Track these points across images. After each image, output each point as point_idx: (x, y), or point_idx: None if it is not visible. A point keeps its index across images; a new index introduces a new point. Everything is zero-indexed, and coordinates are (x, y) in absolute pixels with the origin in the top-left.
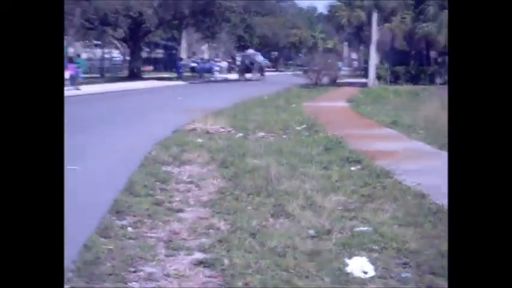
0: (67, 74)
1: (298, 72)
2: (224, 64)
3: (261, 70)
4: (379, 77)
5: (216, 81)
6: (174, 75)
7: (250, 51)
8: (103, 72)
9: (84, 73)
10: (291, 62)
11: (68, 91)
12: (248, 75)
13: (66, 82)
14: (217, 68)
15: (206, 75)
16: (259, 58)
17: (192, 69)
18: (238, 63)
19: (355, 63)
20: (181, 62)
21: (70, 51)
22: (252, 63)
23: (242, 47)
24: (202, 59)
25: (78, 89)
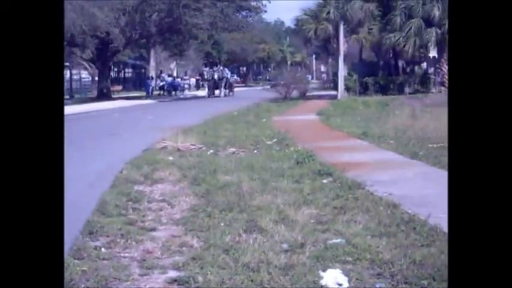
0: None
1: (268, 87)
2: (192, 81)
3: (230, 86)
4: (348, 89)
5: (185, 98)
6: (144, 94)
7: (218, 67)
8: (72, 94)
9: None
10: (260, 77)
11: None
12: (217, 92)
13: None
14: (186, 86)
15: (176, 93)
16: (227, 74)
17: (161, 88)
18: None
19: (324, 76)
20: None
21: None
22: (220, 79)
23: (210, 64)
24: (170, 76)
25: None
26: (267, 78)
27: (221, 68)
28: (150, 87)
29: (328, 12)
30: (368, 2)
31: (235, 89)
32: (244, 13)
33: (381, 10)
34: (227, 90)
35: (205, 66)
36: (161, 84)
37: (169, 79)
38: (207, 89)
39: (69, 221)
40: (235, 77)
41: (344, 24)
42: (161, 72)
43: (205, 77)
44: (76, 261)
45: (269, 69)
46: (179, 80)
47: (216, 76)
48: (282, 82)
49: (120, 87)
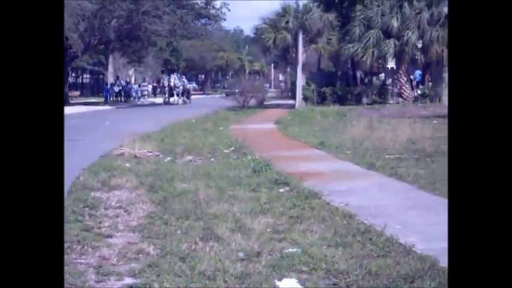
0: None
1: (223, 94)
2: (150, 88)
3: (187, 93)
4: (306, 98)
5: (143, 105)
6: (101, 100)
7: (174, 74)
8: None
9: None
10: (218, 85)
11: None
12: (173, 99)
13: None
14: (145, 92)
15: (133, 99)
16: (184, 81)
17: (117, 94)
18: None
19: (282, 85)
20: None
21: None
22: (176, 87)
23: (168, 71)
24: (127, 82)
25: None
26: (225, 86)
27: (177, 75)
28: (108, 94)
29: (287, 22)
30: (327, 12)
31: (193, 97)
32: (203, 21)
33: (340, 20)
34: (184, 98)
35: (163, 73)
36: (117, 90)
37: (128, 86)
38: (164, 96)
39: None
40: (194, 84)
41: (303, 34)
42: (118, 78)
43: (161, 84)
44: None
45: (227, 77)
46: (136, 86)
47: (172, 83)
48: (240, 90)
49: (77, 93)
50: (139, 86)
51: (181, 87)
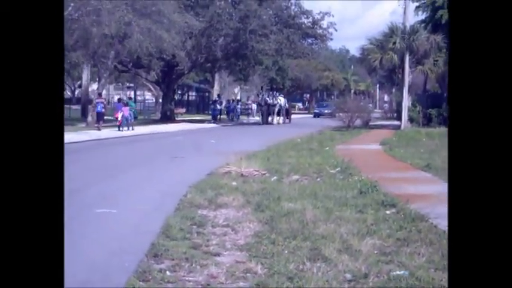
0: (120, 116)
1: (326, 112)
2: (254, 106)
3: (287, 113)
4: (411, 120)
5: (248, 123)
6: (207, 117)
7: (272, 92)
8: (136, 115)
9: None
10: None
11: (123, 132)
12: (270, 118)
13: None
14: (249, 111)
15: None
16: (282, 100)
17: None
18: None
19: (387, 106)
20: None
21: (103, 93)
22: (273, 106)
23: (274, 90)
24: (232, 100)
25: (132, 129)
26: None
27: (276, 93)
28: (217, 112)
29: (394, 43)
30: (434, 33)
31: (298, 116)
32: (310, 40)
33: (446, 42)
34: (282, 117)
35: (262, 90)
36: (219, 108)
37: (233, 104)
38: (261, 116)
39: (135, 243)
40: (299, 103)
41: (409, 55)
42: (219, 96)
43: (257, 102)
44: (141, 283)
45: (332, 96)
46: (234, 104)
47: (270, 102)
48: (345, 110)
49: (183, 110)
50: (237, 103)
51: (278, 105)
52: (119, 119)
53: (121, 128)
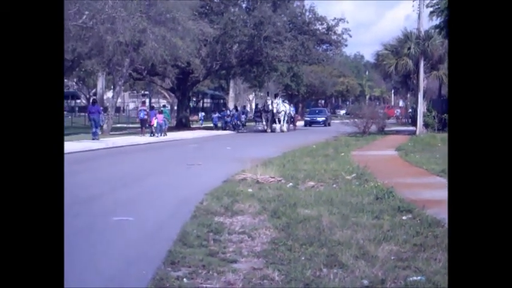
0: (155, 122)
1: (346, 121)
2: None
3: (292, 120)
4: (426, 125)
5: (263, 130)
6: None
7: (277, 99)
8: (170, 122)
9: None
10: (338, 110)
11: (155, 138)
12: (275, 126)
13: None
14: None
15: (249, 124)
16: (287, 106)
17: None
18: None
19: (398, 111)
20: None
21: (117, 101)
22: (278, 112)
23: (290, 96)
24: (244, 107)
25: (165, 135)
26: (346, 112)
27: (280, 99)
28: (226, 123)
29: (409, 48)
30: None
31: None
32: (324, 46)
33: None
34: (287, 125)
35: (268, 95)
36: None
37: (243, 111)
38: (264, 123)
39: (152, 251)
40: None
41: (424, 60)
42: (225, 105)
43: (260, 108)
44: None
45: (347, 102)
46: (240, 112)
47: (275, 109)
48: (360, 116)
49: (198, 117)
50: (242, 111)
51: (283, 112)
52: (154, 125)
53: (155, 134)
